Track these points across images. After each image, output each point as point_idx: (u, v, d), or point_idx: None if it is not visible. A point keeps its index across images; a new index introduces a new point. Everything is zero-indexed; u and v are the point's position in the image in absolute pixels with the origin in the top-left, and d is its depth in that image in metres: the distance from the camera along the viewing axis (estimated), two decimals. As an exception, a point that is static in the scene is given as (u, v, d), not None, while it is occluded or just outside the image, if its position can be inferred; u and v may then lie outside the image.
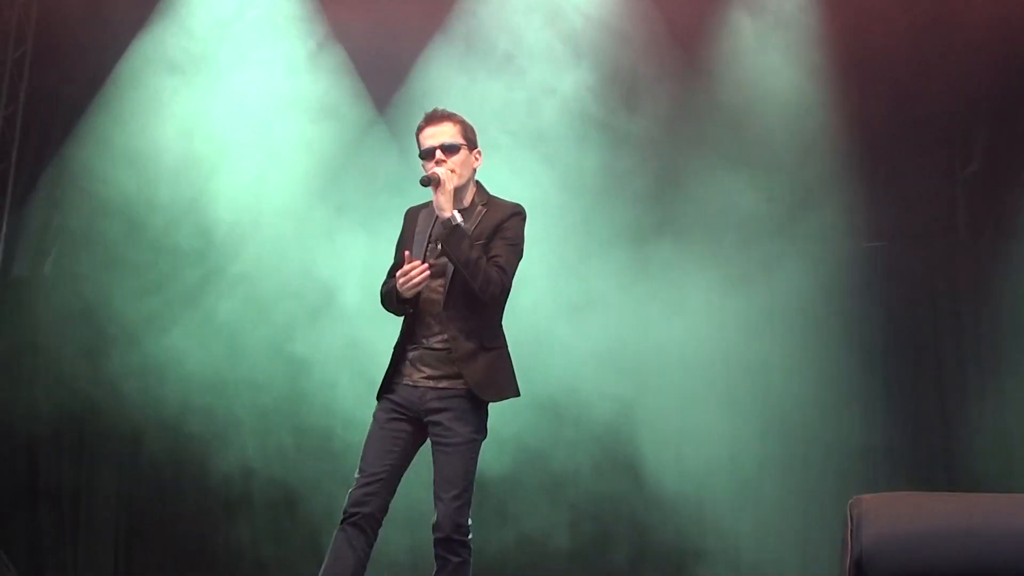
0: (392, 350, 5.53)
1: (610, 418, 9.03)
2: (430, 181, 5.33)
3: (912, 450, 8.88)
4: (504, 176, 8.03)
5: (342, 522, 5.33)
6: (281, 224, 9.57)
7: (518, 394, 5.49)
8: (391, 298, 5.49)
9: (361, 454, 5.42)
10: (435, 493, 5.30)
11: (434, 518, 5.30)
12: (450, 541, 5.28)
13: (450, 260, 5.31)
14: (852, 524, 5.32)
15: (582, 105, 9.35)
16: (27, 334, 9.91)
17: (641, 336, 9.10)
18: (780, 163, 9.15)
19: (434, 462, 5.36)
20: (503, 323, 5.56)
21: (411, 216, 5.62)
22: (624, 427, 9.03)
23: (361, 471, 5.37)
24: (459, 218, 5.30)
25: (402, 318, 5.53)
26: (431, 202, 5.46)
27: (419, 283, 5.29)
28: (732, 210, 9.14)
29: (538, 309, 8.75)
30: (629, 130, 9.32)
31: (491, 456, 7.69)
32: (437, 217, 5.41)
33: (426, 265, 5.32)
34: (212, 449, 9.48)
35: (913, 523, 5.18)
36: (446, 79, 9.38)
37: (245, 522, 9.58)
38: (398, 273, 5.33)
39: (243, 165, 9.63)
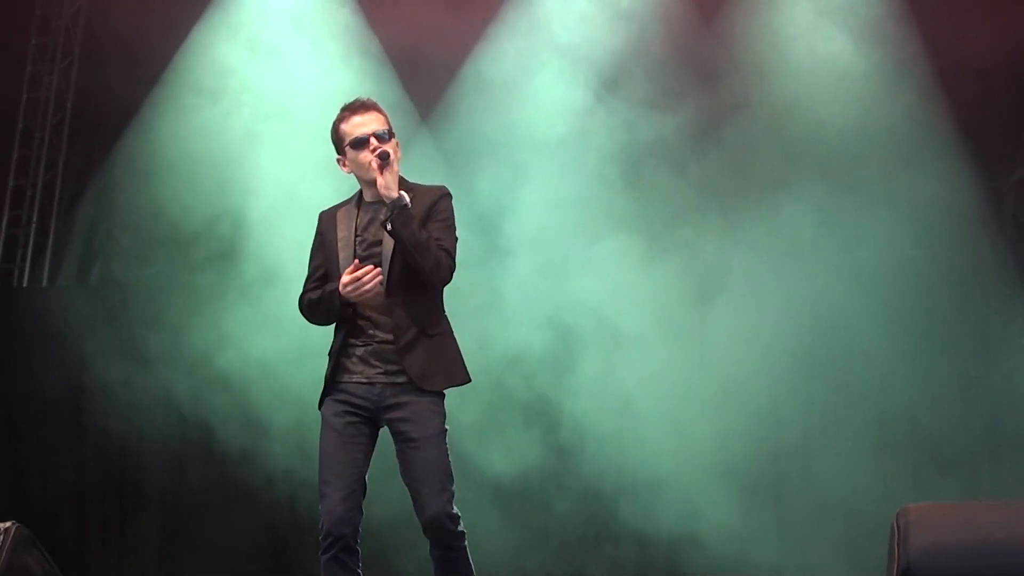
0: (330, 349, 5.34)
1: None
2: (387, 156, 5.15)
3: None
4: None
5: (328, 548, 5.13)
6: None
7: (467, 380, 5.32)
8: (324, 307, 5.31)
9: (322, 464, 5.20)
10: (417, 491, 5.12)
11: (420, 519, 5.13)
12: (445, 534, 5.12)
13: (400, 241, 5.11)
14: (899, 534, 5.24)
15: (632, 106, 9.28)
16: (73, 341, 9.89)
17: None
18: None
19: (406, 460, 5.17)
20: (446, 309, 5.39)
21: (327, 219, 5.44)
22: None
23: (329, 484, 5.15)
24: (407, 198, 5.13)
25: (341, 318, 5.30)
26: (345, 203, 5.41)
27: (372, 288, 5.13)
28: None
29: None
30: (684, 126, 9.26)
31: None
32: (359, 212, 5.32)
33: (378, 269, 5.14)
34: (260, 454, 9.50)
35: (962, 533, 5.09)
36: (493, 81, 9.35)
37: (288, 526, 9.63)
38: (344, 279, 5.15)
39: (286, 175, 9.59)
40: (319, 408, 5.32)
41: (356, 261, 5.18)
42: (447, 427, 5.24)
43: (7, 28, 10.46)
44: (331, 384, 5.29)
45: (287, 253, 9.31)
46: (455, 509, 5.14)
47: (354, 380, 5.23)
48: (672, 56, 9.41)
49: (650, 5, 9.46)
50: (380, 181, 5.14)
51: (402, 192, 5.13)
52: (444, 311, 5.35)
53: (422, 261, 5.11)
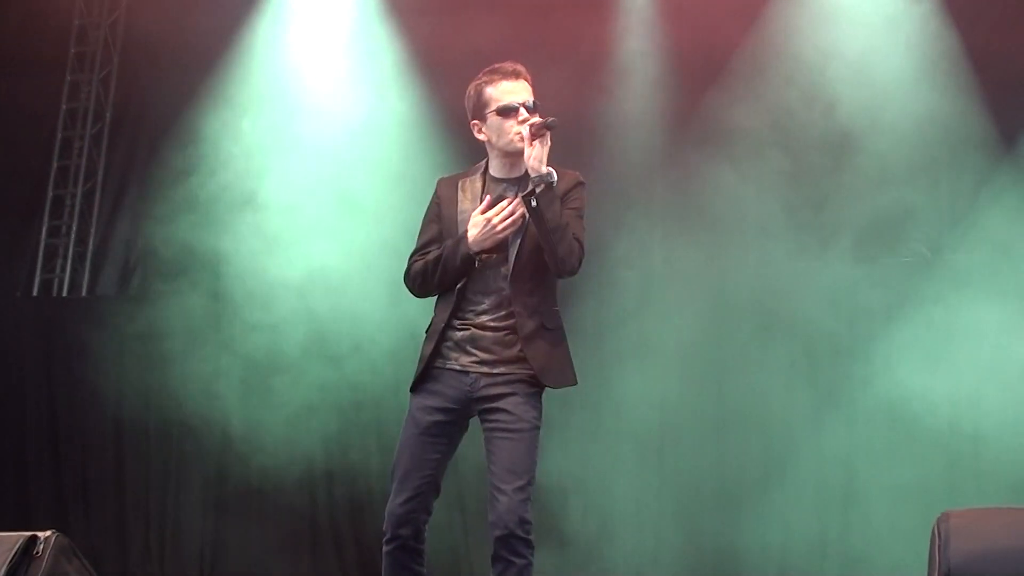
0: (426, 335, 4.95)
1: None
2: (548, 126, 4.72)
3: None
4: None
5: (389, 543, 4.82)
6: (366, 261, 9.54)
7: (575, 381, 4.91)
8: (443, 264, 4.87)
9: (396, 457, 4.86)
10: (494, 485, 4.70)
11: (491, 515, 4.72)
12: (513, 539, 4.66)
13: (541, 219, 4.70)
14: (940, 540, 5.19)
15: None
16: (112, 352, 9.97)
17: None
18: None
19: (492, 451, 4.76)
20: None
21: (447, 187, 4.99)
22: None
23: (399, 481, 4.82)
24: (556, 175, 4.75)
25: (442, 297, 4.94)
26: (467, 174, 5.01)
27: (513, 224, 4.77)
28: None
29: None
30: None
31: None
32: (486, 187, 4.93)
33: (517, 202, 4.75)
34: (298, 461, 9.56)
35: (1004, 539, 5.04)
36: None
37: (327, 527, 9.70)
38: (488, 213, 4.78)
39: (324, 195, 9.68)
40: (410, 390, 4.93)
41: (489, 198, 4.83)
42: (541, 426, 4.85)
43: (46, 38, 10.53)
44: (425, 369, 4.89)
45: (333, 257, 9.41)
46: (529, 514, 4.73)
47: (447, 367, 4.85)
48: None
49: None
50: (529, 152, 4.75)
51: (551, 168, 4.74)
52: (558, 307, 4.99)
53: (557, 244, 4.71)
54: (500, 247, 4.82)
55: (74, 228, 10.63)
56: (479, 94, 4.90)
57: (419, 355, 4.92)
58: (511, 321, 4.82)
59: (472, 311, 4.87)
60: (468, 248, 4.81)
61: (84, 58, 10.79)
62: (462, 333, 4.85)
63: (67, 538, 5.88)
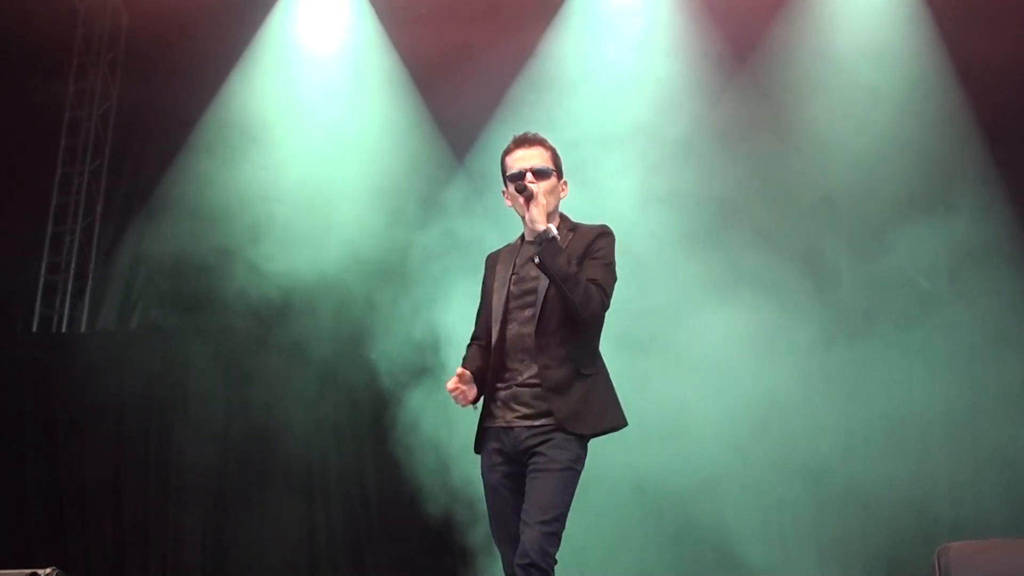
0: (484, 393, 5.18)
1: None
2: (524, 189, 5.00)
3: None
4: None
5: None
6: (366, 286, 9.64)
7: (622, 424, 5.08)
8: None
9: (492, 524, 5.11)
10: (523, 520, 4.87)
11: (521, 548, 4.86)
12: (534, 569, 4.80)
13: (547, 274, 4.97)
14: (940, 572, 5.22)
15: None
16: (112, 387, 9.97)
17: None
18: None
19: (526, 491, 4.96)
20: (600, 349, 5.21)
21: (491, 261, 5.32)
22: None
23: (505, 543, 5.03)
24: (555, 230, 4.97)
25: (493, 358, 5.16)
26: (510, 244, 5.30)
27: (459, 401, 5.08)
28: None
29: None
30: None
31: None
32: (519, 250, 5.21)
33: (455, 385, 5.05)
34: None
35: (1003, 571, 5.06)
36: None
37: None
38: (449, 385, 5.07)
39: (323, 222, 9.70)
40: (475, 451, 5.20)
41: (461, 372, 5.09)
42: (579, 468, 5.01)
43: (45, 75, 10.57)
44: (480, 430, 5.17)
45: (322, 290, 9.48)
46: (555, 551, 4.88)
47: (496, 425, 5.10)
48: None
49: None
50: (526, 215, 5.04)
51: (549, 225, 4.98)
52: (599, 352, 5.17)
53: (570, 294, 4.92)
54: (530, 308, 5.07)
55: (73, 264, 10.66)
56: (502, 162, 5.23)
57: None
58: (544, 373, 5.02)
59: (514, 369, 5.10)
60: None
61: (83, 94, 10.84)
62: (505, 392, 5.10)
63: (67, 574, 5.91)
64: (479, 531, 8.89)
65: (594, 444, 5.04)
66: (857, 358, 8.82)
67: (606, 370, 5.14)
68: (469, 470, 8.83)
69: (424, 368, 8.99)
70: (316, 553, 9.71)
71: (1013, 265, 8.69)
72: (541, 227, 4.96)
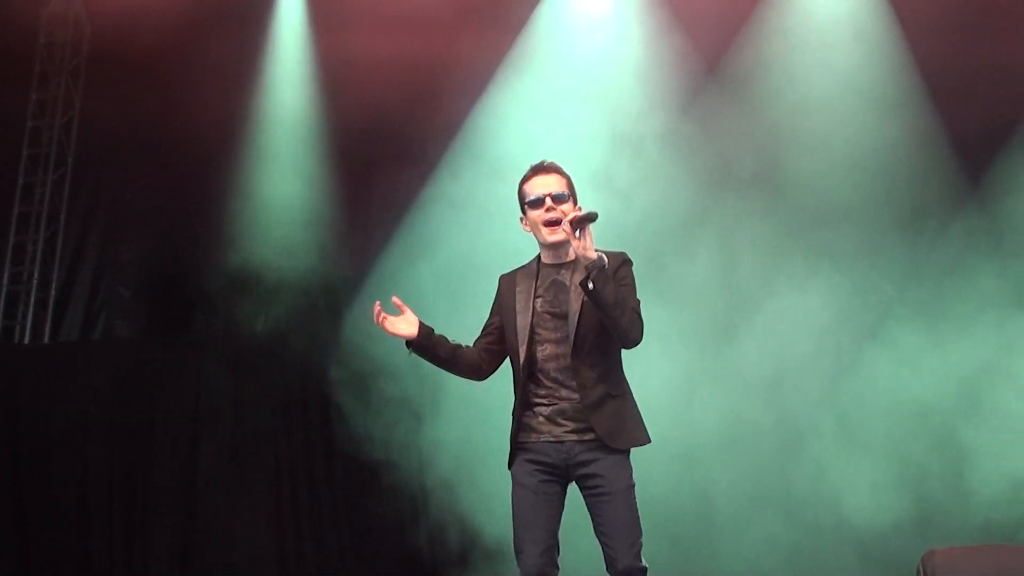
0: (514, 411, 5.42)
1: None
2: (586, 218, 5.12)
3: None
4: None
5: None
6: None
7: (649, 440, 5.36)
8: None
9: (516, 521, 5.28)
10: (608, 544, 5.21)
11: (610, 570, 5.23)
12: None
13: (600, 300, 5.14)
14: (925, 578, 5.23)
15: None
16: (76, 398, 9.87)
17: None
18: None
19: (597, 514, 5.24)
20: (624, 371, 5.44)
21: (507, 283, 5.54)
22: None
23: (525, 540, 5.25)
24: (606, 259, 5.17)
25: (517, 384, 5.40)
26: (524, 267, 5.50)
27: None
28: None
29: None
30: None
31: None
32: (538, 273, 5.42)
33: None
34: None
35: (989, 576, 5.08)
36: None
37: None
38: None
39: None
40: (509, 467, 5.39)
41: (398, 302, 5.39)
42: (633, 481, 5.29)
43: (7, 85, 10.47)
44: (518, 445, 5.37)
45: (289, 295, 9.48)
46: (644, 562, 5.22)
47: (542, 440, 5.32)
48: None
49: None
50: (576, 244, 5.14)
51: (601, 254, 5.16)
52: (624, 373, 5.42)
53: (618, 320, 5.17)
54: (562, 331, 5.31)
55: (36, 274, 10.56)
56: (519, 190, 5.46)
57: (511, 430, 5.41)
58: (583, 392, 5.27)
59: (551, 388, 5.32)
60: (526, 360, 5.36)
61: (45, 104, 10.75)
62: (550, 408, 5.32)
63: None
64: (452, 535, 9.12)
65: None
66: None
67: (631, 391, 5.39)
68: (447, 472, 9.08)
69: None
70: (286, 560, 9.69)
71: None
72: (593, 255, 5.12)
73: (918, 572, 5.22)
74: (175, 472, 9.79)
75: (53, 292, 10.57)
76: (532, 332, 5.34)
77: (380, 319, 5.32)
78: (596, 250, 5.20)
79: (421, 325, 5.41)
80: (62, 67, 10.72)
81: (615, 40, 9.57)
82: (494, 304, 5.55)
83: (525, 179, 5.44)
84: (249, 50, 10.11)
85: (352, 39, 9.78)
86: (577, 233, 5.13)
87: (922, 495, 8.36)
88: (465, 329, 5.62)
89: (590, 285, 5.13)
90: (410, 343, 5.39)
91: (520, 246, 7.87)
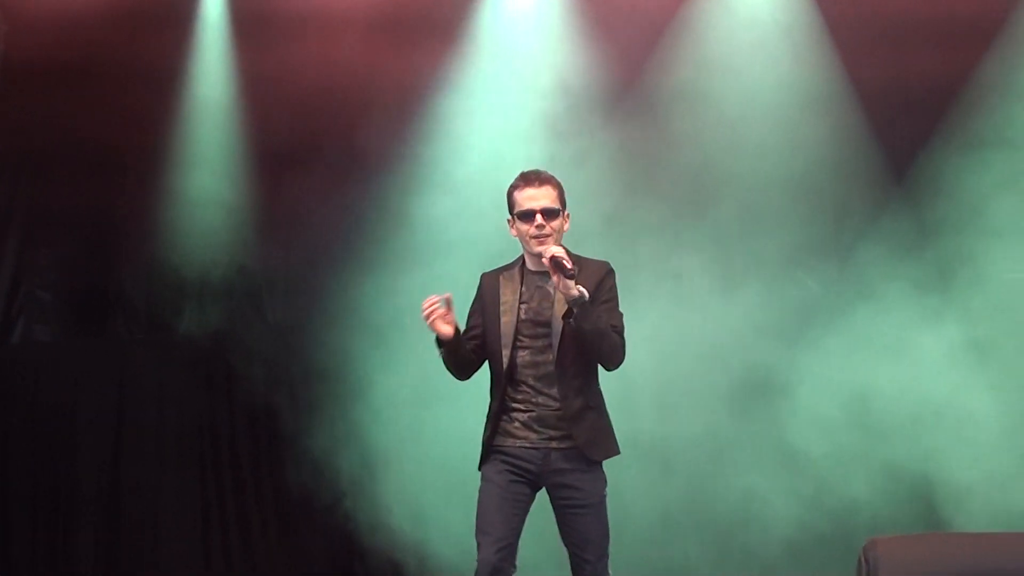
0: (487, 420, 5.54)
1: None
2: (566, 274, 5.21)
3: None
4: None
5: None
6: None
7: (619, 452, 5.52)
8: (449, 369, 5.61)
9: (480, 515, 5.42)
10: (578, 556, 5.39)
11: None
12: None
13: (582, 333, 5.25)
14: (867, 567, 5.26)
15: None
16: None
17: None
18: None
19: (567, 524, 5.42)
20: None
21: (489, 282, 5.61)
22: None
23: (487, 534, 5.35)
24: (587, 294, 5.26)
25: (495, 387, 5.51)
26: (507, 268, 5.57)
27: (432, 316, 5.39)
28: None
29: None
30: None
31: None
32: (523, 279, 5.51)
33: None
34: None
35: (931, 565, 5.14)
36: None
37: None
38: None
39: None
40: (479, 469, 5.52)
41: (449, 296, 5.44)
42: (606, 493, 5.47)
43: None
44: (492, 448, 5.48)
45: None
46: (610, 572, 5.42)
47: (518, 445, 5.43)
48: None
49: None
50: (557, 281, 5.23)
51: (581, 289, 5.23)
52: (599, 385, 5.54)
53: (599, 349, 5.33)
54: (546, 338, 5.40)
55: (-50, 278, 10.30)
56: (510, 196, 5.54)
57: (484, 431, 5.54)
58: (564, 401, 5.40)
59: (529, 394, 5.43)
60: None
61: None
62: (527, 415, 5.44)
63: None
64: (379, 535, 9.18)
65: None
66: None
67: (605, 403, 5.56)
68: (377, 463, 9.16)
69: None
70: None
71: None
72: (575, 293, 5.21)
73: (859, 562, 5.24)
74: (99, 475, 9.67)
75: (-34, 294, 10.34)
76: (516, 337, 5.41)
77: (432, 312, 5.37)
78: (577, 261, 5.35)
79: (456, 326, 5.48)
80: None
81: (542, 45, 9.55)
82: (475, 304, 5.63)
83: (516, 187, 5.50)
84: (171, 52, 9.92)
85: (276, 42, 9.69)
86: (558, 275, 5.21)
87: (855, 494, 8.58)
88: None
89: (571, 321, 5.26)
90: (445, 343, 5.45)
91: (439, 246, 7.99)
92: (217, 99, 9.92)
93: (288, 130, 9.56)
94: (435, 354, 5.57)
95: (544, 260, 5.28)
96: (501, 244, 6.19)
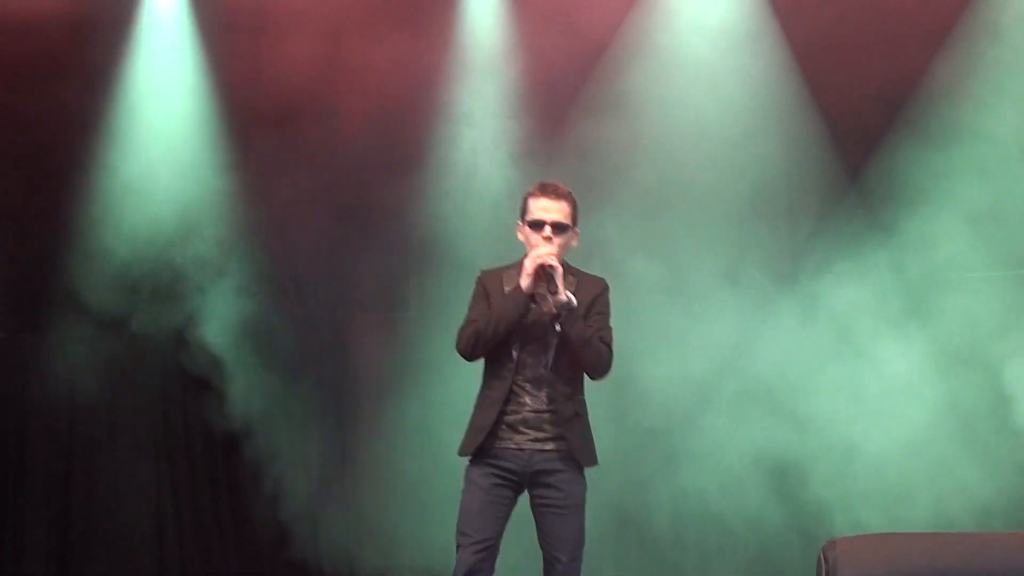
0: (477, 413, 5.59)
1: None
2: (543, 272, 5.38)
3: None
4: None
5: None
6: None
7: (598, 463, 5.61)
8: (501, 316, 5.45)
9: (462, 516, 5.48)
10: (551, 555, 5.45)
11: None
12: None
13: (568, 339, 5.38)
14: (827, 567, 5.30)
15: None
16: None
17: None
18: None
19: (545, 524, 5.48)
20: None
21: (492, 278, 5.64)
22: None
23: (467, 535, 5.41)
24: (575, 301, 5.38)
25: (493, 383, 5.55)
26: (510, 267, 5.60)
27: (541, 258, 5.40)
28: None
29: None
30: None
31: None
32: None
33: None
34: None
35: (890, 565, 5.18)
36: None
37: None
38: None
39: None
40: (460, 454, 5.58)
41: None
42: (586, 496, 5.56)
43: None
44: (478, 447, 5.52)
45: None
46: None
47: (504, 447, 5.49)
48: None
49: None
50: (532, 285, 5.40)
51: (570, 296, 5.37)
52: (584, 393, 5.63)
53: (584, 356, 5.43)
54: (544, 342, 5.48)
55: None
56: (524, 201, 5.63)
57: (471, 423, 5.60)
58: (554, 405, 5.48)
59: (519, 395, 5.51)
60: (523, 292, 5.42)
61: None
62: (514, 416, 5.50)
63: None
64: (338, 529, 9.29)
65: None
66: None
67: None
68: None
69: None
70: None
71: None
72: (563, 298, 5.36)
73: (819, 562, 5.28)
74: (49, 474, 9.66)
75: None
76: (511, 338, 5.47)
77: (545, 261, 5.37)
78: (576, 275, 5.53)
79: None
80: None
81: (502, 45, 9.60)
82: (482, 299, 5.61)
83: (532, 194, 5.57)
84: (115, 45, 9.87)
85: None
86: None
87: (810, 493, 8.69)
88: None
89: (558, 327, 5.39)
90: (525, 300, 5.44)
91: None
92: (162, 91, 9.86)
93: (245, 123, 9.66)
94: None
95: (532, 261, 5.39)
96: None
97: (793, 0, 9.11)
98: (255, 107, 9.58)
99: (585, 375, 5.60)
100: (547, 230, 5.49)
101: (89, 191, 9.73)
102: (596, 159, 9.21)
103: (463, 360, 5.62)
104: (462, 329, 5.61)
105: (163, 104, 9.79)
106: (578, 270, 5.63)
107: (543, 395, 5.47)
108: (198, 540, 9.66)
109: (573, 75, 9.48)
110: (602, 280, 5.65)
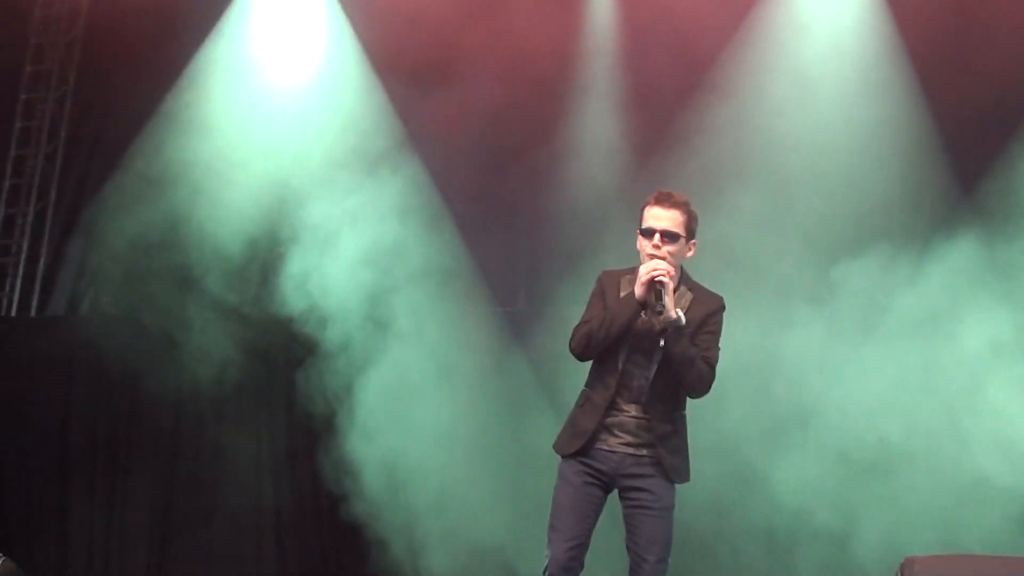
0: (577, 414, 5.58)
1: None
2: (656, 289, 5.30)
3: None
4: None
5: None
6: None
7: (689, 479, 5.55)
8: (613, 320, 5.43)
9: (554, 511, 5.50)
10: (638, 555, 5.41)
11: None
12: None
13: (670, 354, 5.35)
14: (904, 586, 5.24)
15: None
16: (60, 372, 9.95)
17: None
18: None
19: (635, 526, 5.45)
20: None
21: (611, 280, 5.61)
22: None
23: (559, 531, 5.44)
24: (684, 319, 5.34)
25: (597, 388, 5.53)
26: (629, 271, 5.52)
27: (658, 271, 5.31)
28: None
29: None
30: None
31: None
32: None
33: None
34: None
35: (967, 586, 5.09)
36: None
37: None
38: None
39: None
40: (564, 456, 5.54)
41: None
42: (675, 504, 5.50)
43: (1, 56, 10.41)
44: (572, 447, 5.50)
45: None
46: None
47: (597, 448, 5.48)
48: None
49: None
50: (644, 295, 5.31)
51: (679, 313, 5.31)
52: (685, 411, 5.60)
53: (685, 375, 5.37)
54: (649, 354, 5.42)
55: (25, 247, 10.52)
56: (641, 210, 5.54)
57: (571, 423, 5.59)
58: (650, 416, 5.45)
59: (622, 402, 5.48)
60: (635, 300, 5.36)
61: (40, 77, 10.69)
62: (611, 419, 5.49)
63: (13, 563, 5.83)
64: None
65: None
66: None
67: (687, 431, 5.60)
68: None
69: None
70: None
71: None
72: (673, 316, 5.29)
73: (897, 579, 5.20)
74: (159, 452, 9.87)
75: (42, 266, 10.52)
76: (621, 346, 5.45)
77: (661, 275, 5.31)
78: (693, 289, 5.49)
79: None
80: (57, 40, 10.64)
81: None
82: (598, 299, 5.59)
83: (647, 203, 5.52)
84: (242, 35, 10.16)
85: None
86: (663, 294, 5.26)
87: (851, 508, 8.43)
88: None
89: (662, 342, 5.34)
90: (635, 309, 5.40)
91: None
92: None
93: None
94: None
95: (646, 270, 5.32)
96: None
97: (911, 5, 9.02)
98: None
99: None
100: (656, 238, 5.41)
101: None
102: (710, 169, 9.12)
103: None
104: (576, 328, 5.58)
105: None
106: (697, 284, 5.57)
107: (642, 407, 5.44)
108: (297, 519, 9.79)
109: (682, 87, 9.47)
110: (719, 298, 5.56)
